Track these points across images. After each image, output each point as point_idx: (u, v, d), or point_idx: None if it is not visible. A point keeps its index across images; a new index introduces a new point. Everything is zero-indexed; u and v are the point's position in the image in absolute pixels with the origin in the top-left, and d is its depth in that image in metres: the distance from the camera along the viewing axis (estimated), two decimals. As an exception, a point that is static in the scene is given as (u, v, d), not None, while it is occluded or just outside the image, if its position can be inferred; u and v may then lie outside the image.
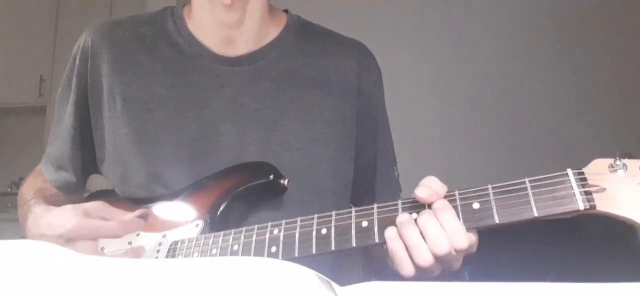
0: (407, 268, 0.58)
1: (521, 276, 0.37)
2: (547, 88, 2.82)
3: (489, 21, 2.92)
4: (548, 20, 2.86)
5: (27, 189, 0.93)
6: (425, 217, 0.57)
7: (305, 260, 0.46)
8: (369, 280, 0.38)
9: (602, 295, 0.35)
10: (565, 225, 1.81)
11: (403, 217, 0.59)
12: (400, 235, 0.58)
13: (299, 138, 0.84)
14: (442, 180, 0.60)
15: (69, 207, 0.77)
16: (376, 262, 0.87)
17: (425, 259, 0.56)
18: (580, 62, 2.79)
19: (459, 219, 0.57)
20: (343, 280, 0.38)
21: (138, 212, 0.76)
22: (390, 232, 0.59)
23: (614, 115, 2.63)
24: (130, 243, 0.78)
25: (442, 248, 0.56)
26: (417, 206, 0.59)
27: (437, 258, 0.57)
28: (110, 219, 0.75)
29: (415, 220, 0.58)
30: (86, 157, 0.92)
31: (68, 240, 0.73)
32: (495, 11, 2.92)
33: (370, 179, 0.93)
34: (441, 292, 0.36)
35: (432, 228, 0.57)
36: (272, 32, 0.90)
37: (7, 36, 3.68)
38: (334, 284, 0.38)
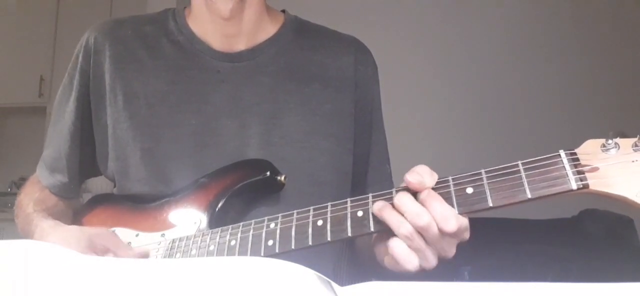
0: (407, 256, 0.59)
1: (521, 276, 0.37)
2: (542, 82, 2.82)
3: (486, 15, 2.92)
4: (544, 14, 2.87)
5: (26, 199, 0.92)
6: (399, 196, 0.59)
7: (307, 262, 0.46)
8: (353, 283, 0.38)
9: (602, 295, 0.35)
10: (566, 225, 1.81)
11: (378, 205, 0.60)
12: (382, 221, 0.59)
13: (298, 130, 0.85)
14: (438, 172, 0.60)
15: (74, 231, 0.77)
16: (363, 265, 0.87)
17: (406, 229, 0.58)
18: (574, 55, 2.79)
19: (454, 204, 0.57)
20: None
21: (138, 253, 0.75)
22: (378, 203, 0.60)
23: (608, 107, 2.64)
24: (129, 243, 0.78)
25: (422, 219, 0.57)
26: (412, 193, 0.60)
27: (419, 230, 0.57)
28: (117, 252, 0.73)
29: (392, 204, 0.59)
30: (85, 156, 0.92)
31: None
32: (493, 5, 2.92)
33: (363, 172, 0.94)
34: (441, 292, 0.36)
35: (407, 204, 0.58)
36: (271, 30, 0.92)
37: (7, 36, 3.68)
38: (334, 284, 0.38)
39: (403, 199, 0.59)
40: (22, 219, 0.89)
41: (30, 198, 0.91)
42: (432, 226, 0.57)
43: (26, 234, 0.86)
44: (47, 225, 0.81)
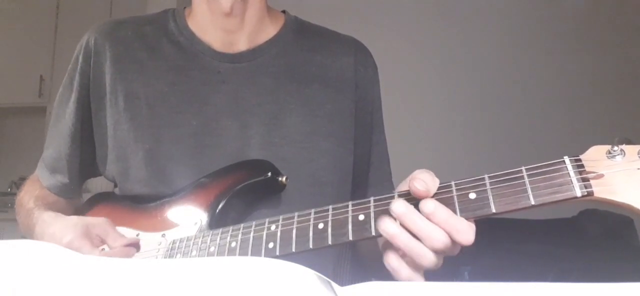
0: (403, 273, 0.57)
1: (521, 276, 0.37)
2: (545, 84, 2.82)
3: (488, 16, 2.92)
4: (547, 15, 2.86)
5: (26, 196, 0.92)
6: (412, 217, 0.55)
7: (307, 261, 0.46)
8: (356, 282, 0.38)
9: (602, 295, 0.35)
10: (566, 225, 1.81)
11: (401, 208, 0.56)
12: (405, 227, 0.56)
13: (299, 131, 0.85)
14: (439, 175, 0.59)
15: (73, 220, 0.77)
16: (366, 266, 0.87)
17: (429, 260, 0.55)
18: (578, 57, 2.79)
19: (456, 210, 0.56)
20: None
21: (130, 241, 0.75)
22: (390, 228, 0.56)
23: (613, 110, 2.63)
24: None
25: (440, 242, 0.55)
26: (413, 198, 0.57)
27: (438, 252, 0.56)
28: (108, 241, 0.74)
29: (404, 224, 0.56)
30: (85, 157, 0.92)
31: None
32: (495, 6, 2.92)
33: (364, 172, 0.94)
34: (441, 292, 0.36)
35: (423, 226, 0.55)
36: (271, 31, 0.92)
37: (7, 36, 3.68)
38: (334, 284, 0.38)
39: (417, 221, 0.55)
40: (23, 215, 0.90)
41: (31, 195, 0.92)
42: (449, 244, 0.55)
43: (27, 228, 0.86)
44: (47, 216, 0.82)
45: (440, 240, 0.55)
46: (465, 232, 0.55)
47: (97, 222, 0.76)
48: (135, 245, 0.75)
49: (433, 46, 2.96)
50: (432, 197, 0.57)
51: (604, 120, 2.54)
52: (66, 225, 0.76)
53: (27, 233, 0.87)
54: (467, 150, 2.73)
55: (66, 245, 0.72)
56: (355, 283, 0.37)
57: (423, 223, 0.55)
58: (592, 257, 1.62)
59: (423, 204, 0.55)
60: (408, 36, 2.95)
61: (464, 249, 0.61)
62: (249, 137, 0.84)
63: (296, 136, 0.85)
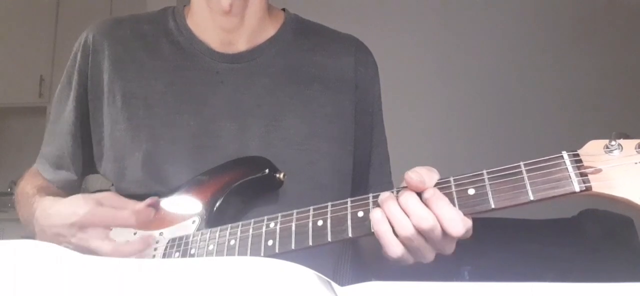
0: (394, 246, 0.58)
1: (521, 276, 0.37)
2: (543, 81, 2.82)
3: (487, 15, 2.92)
4: (546, 14, 2.86)
5: (28, 185, 0.92)
6: (404, 196, 0.58)
7: (307, 261, 0.46)
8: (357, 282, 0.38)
9: (602, 295, 0.35)
10: (566, 225, 1.81)
11: (384, 195, 0.59)
12: (383, 211, 0.58)
13: (299, 133, 0.85)
14: (439, 173, 0.60)
15: (79, 196, 0.77)
16: (366, 264, 0.87)
17: (407, 231, 0.57)
18: (576, 54, 2.79)
19: (455, 205, 0.57)
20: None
21: (149, 201, 0.75)
22: (376, 214, 0.59)
23: (610, 107, 2.63)
24: (127, 242, 0.77)
25: (426, 222, 0.56)
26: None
27: (422, 232, 0.57)
28: (128, 206, 0.74)
29: (397, 199, 0.58)
30: (86, 154, 0.92)
31: (81, 227, 0.72)
32: (494, 5, 2.92)
33: (364, 173, 0.93)
34: (441, 292, 0.36)
35: (413, 204, 0.57)
36: (271, 30, 0.91)
37: (7, 36, 3.68)
38: (334, 284, 0.38)
39: (409, 199, 0.58)
40: (23, 202, 0.89)
41: (33, 185, 0.91)
42: (436, 229, 0.56)
43: (27, 214, 0.85)
44: (48, 201, 0.81)
45: (427, 220, 0.56)
46: (455, 221, 0.56)
47: (104, 195, 0.76)
48: (155, 205, 0.75)
49: (433, 46, 2.95)
50: None
51: (603, 117, 2.54)
52: (75, 201, 0.75)
53: (26, 219, 0.86)
54: (466, 147, 2.73)
55: (84, 217, 0.72)
56: (355, 283, 0.37)
57: (414, 200, 0.57)
58: (592, 257, 1.62)
59: (424, 191, 0.57)
60: (408, 36, 2.95)
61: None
62: (247, 138, 0.83)
63: (296, 138, 0.84)
